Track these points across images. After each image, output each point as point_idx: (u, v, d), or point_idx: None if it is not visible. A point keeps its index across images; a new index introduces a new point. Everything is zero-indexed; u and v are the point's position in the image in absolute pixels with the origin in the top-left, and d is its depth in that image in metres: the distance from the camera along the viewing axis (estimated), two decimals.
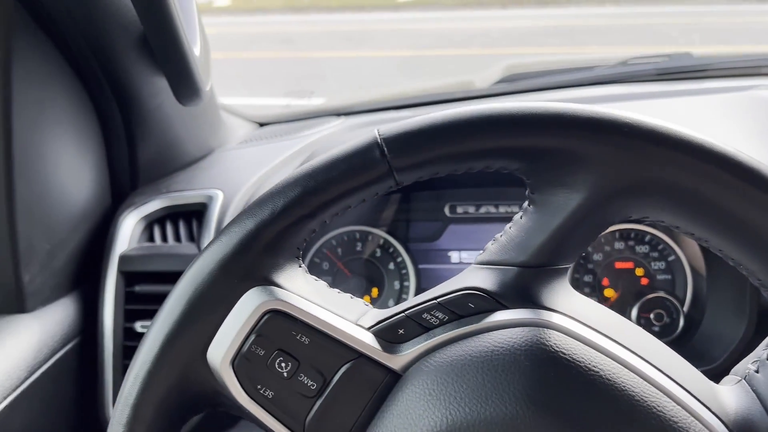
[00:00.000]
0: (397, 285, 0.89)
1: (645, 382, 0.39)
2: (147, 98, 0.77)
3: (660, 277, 0.86)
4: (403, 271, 0.89)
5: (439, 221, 0.90)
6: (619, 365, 0.39)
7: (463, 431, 0.37)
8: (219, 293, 0.40)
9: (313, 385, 0.40)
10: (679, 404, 0.39)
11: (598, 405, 0.37)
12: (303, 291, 0.42)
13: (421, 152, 0.40)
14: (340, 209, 0.42)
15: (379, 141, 0.40)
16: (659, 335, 0.83)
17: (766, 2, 7.66)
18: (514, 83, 1.28)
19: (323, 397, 0.40)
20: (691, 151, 0.38)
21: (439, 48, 6.05)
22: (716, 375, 0.78)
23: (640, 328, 0.44)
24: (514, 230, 0.43)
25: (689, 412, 0.38)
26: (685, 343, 0.82)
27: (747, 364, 0.43)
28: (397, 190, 0.89)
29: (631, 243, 0.87)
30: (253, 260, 0.41)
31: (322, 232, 0.90)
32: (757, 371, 0.41)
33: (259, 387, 0.40)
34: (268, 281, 0.41)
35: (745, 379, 0.42)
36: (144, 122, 0.82)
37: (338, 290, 0.45)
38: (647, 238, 0.86)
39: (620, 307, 0.86)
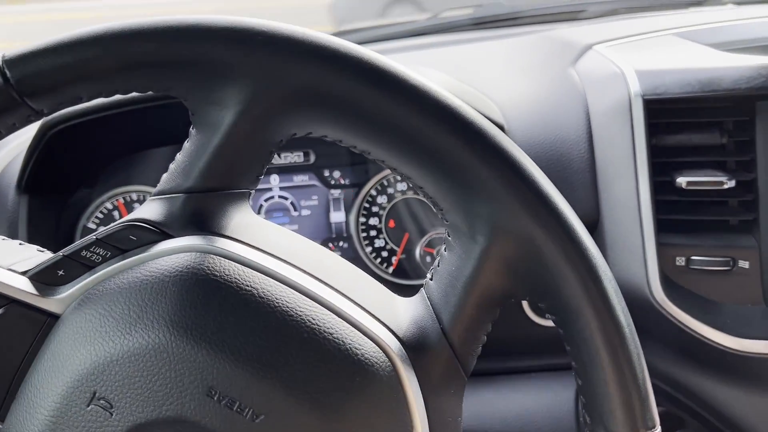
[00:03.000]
0: None
1: (303, 296, 0.38)
2: None
3: None
4: None
5: None
6: (277, 282, 0.38)
7: (106, 367, 0.35)
8: None
9: None
10: (340, 315, 0.38)
11: (247, 322, 0.36)
12: None
13: (49, 74, 0.37)
14: None
15: (0, 65, 0.37)
16: None
17: None
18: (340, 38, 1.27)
19: None
20: (331, 58, 0.37)
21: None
22: None
23: (327, 251, 0.43)
24: (181, 156, 0.40)
25: (350, 323, 0.38)
26: None
27: (428, 274, 0.43)
28: (171, 140, 0.86)
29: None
30: None
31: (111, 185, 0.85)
32: (431, 279, 0.41)
33: None
34: None
35: (423, 288, 0.42)
36: None
37: (3, 237, 0.42)
38: None
39: (406, 247, 0.87)
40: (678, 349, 0.73)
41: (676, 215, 0.70)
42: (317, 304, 0.38)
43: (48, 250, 0.42)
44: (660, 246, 0.69)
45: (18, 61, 0.37)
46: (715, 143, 0.69)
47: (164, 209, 0.40)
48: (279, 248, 0.40)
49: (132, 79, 0.38)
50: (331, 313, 0.38)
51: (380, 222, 0.87)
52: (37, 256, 0.41)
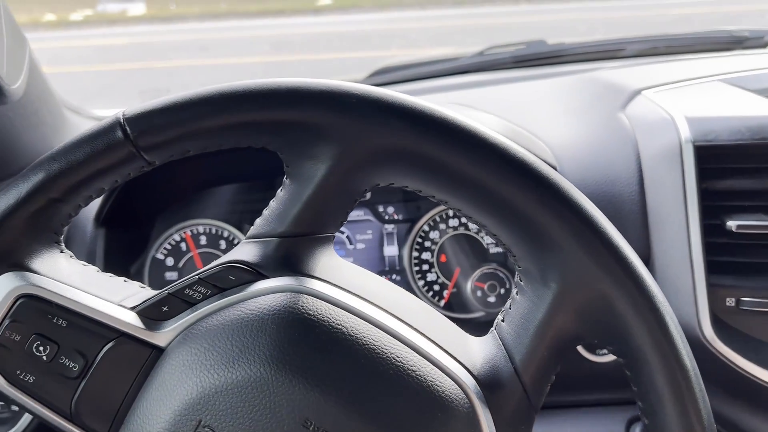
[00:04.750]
0: None
1: (387, 335, 0.41)
2: None
3: (492, 250, 0.90)
4: None
5: None
6: (364, 321, 0.41)
7: (211, 397, 0.39)
8: None
9: (74, 367, 0.40)
10: (421, 354, 0.41)
11: (338, 359, 0.39)
12: (62, 275, 0.43)
13: (164, 131, 0.41)
14: (94, 192, 0.43)
15: (121, 121, 0.41)
16: (494, 305, 0.87)
17: None
18: (381, 76, 1.32)
19: (87, 378, 0.40)
20: (414, 118, 0.41)
21: (358, 50, 6.08)
22: None
23: (401, 290, 0.46)
24: (275, 203, 0.44)
25: (431, 362, 0.41)
26: None
27: (499, 315, 0.46)
28: (236, 178, 0.91)
29: (464, 219, 0.90)
30: (3, 247, 0.41)
31: (180, 219, 0.90)
32: (503, 320, 0.44)
33: (18, 372, 0.40)
34: (21, 267, 0.41)
35: (495, 329, 0.45)
36: None
37: (111, 275, 0.45)
38: None
39: (457, 281, 0.90)
40: (729, 389, 0.74)
41: (727, 257, 0.72)
42: (400, 343, 0.41)
43: (128, 279, 0.46)
44: (710, 287, 0.71)
45: (138, 119, 0.41)
46: (764, 188, 0.71)
47: (259, 251, 0.44)
48: (361, 288, 0.43)
49: (236, 136, 0.42)
50: (412, 352, 0.41)
51: (432, 256, 0.90)
52: (140, 292, 0.45)
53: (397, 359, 0.40)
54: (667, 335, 0.40)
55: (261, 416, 0.38)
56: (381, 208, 0.93)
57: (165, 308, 0.42)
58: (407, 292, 0.46)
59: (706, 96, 0.82)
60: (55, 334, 0.41)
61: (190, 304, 0.42)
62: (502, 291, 0.87)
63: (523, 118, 0.94)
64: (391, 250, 0.91)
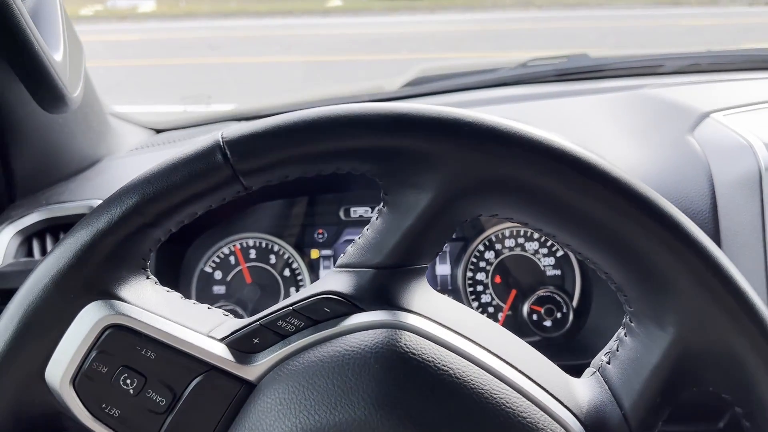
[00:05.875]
0: (293, 292, 0.87)
1: (495, 379, 0.39)
2: (15, 106, 0.74)
3: (550, 273, 0.88)
4: (299, 278, 0.88)
5: (334, 225, 0.90)
6: (470, 363, 0.39)
7: None
8: (54, 309, 0.38)
9: (162, 401, 0.38)
10: (529, 399, 0.39)
11: (446, 403, 0.37)
12: (149, 304, 0.40)
13: (266, 155, 0.39)
14: (186, 217, 0.41)
15: (221, 144, 0.39)
16: (550, 330, 0.85)
17: (681, 6, 8.04)
18: (419, 86, 1.30)
19: (174, 413, 0.38)
20: (529, 148, 0.38)
21: (369, 53, 6.07)
22: None
23: (498, 325, 0.44)
24: (370, 232, 0.42)
25: (539, 407, 0.39)
26: (573, 336, 0.84)
27: (601, 356, 0.43)
28: (286, 194, 0.89)
29: (521, 240, 0.88)
30: (90, 273, 0.39)
31: (229, 232, 0.88)
32: (608, 362, 0.42)
33: (104, 406, 0.38)
34: (109, 295, 0.39)
35: (598, 370, 0.43)
36: (16, 131, 0.78)
37: (194, 301, 0.43)
38: (536, 234, 0.88)
39: (513, 304, 0.87)
40: None
41: None
42: (507, 387, 0.39)
43: (211, 306, 0.44)
44: None
45: (238, 142, 0.39)
46: None
47: (354, 282, 0.42)
48: (460, 323, 0.41)
49: (339, 162, 0.40)
50: (520, 396, 0.39)
51: (487, 277, 0.88)
52: (226, 321, 0.42)
53: (506, 404, 0.38)
54: None
55: None
56: None
57: (256, 340, 0.40)
58: (503, 328, 0.44)
59: None
60: (144, 367, 0.39)
61: (282, 336, 0.40)
62: (559, 315, 0.85)
63: (577, 136, 0.92)
64: (443, 269, 0.89)
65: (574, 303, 0.86)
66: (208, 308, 0.43)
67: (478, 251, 0.89)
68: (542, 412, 0.39)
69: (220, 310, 0.44)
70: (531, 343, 0.43)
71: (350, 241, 0.89)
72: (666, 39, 6.10)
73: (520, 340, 0.44)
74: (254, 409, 0.39)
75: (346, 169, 0.41)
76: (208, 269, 0.87)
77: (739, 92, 0.93)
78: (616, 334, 0.43)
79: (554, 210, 0.39)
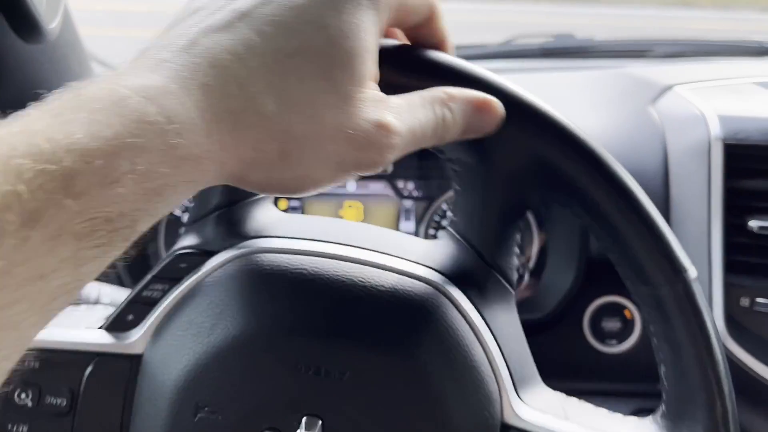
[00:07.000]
0: None
1: (348, 264, 0.40)
2: None
3: None
4: None
5: None
6: (323, 258, 0.40)
7: (196, 375, 0.37)
8: None
9: (62, 402, 0.39)
10: (387, 269, 0.40)
11: (307, 300, 0.38)
12: None
13: None
14: None
15: None
16: None
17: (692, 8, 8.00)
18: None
19: (78, 408, 0.40)
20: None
21: None
22: (547, 322, 0.83)
23: (357, 223, 0.46)
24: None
25: (398, 272, 0.40)
26: (528, 295, 0.87)
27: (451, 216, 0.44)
28: None
29: None
30: None
31: None
32: (455, 216, 0.43)
33: (10, 427, 0.39)
34: None
35: (449, 226, 0.44)
36: None
37: (72, 305, 0.44)
38: None
39: None
40: (738, 391, 0.74)
41: (745, 257, 0.72)
42: (361, 265, 0.40)
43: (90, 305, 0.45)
44: (726, 286, 0.71)
45: None
46: None
47: (200, 231, 0.43)
48: (312, 231, 0.43)
49: None
50: (377, 270, 0.40)
51: None
52: (105, 312, 0.44)
53: (363, 280, 0.39)
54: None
55: (249, 375, 0.37)
56: (401, 184, 0.92)
57: (130, 317, 0.41)
58: (357, 223, 0.46)
59: (738, 96, 0.81)
60: (32, 378, 0.39)
61: (152, 304, 0.41)
62: (516, 276, 0.87)
63: (552, 106, 0.93)
64: (407, 226, 0.91)
65: (531, 264, 0.88)
66: (87, 307, 0.45)
67: (441, 210, 0.91)
68: (399, 276, 0.39)
69: (101, 305, 0.45)
70: None
71: None
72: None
73: (374, 227, 0.44)
74: (145, 377, 0.39)
75: None
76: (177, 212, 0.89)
77: (710, 71, 0.95)
78: (452, 192, 0.43)
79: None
